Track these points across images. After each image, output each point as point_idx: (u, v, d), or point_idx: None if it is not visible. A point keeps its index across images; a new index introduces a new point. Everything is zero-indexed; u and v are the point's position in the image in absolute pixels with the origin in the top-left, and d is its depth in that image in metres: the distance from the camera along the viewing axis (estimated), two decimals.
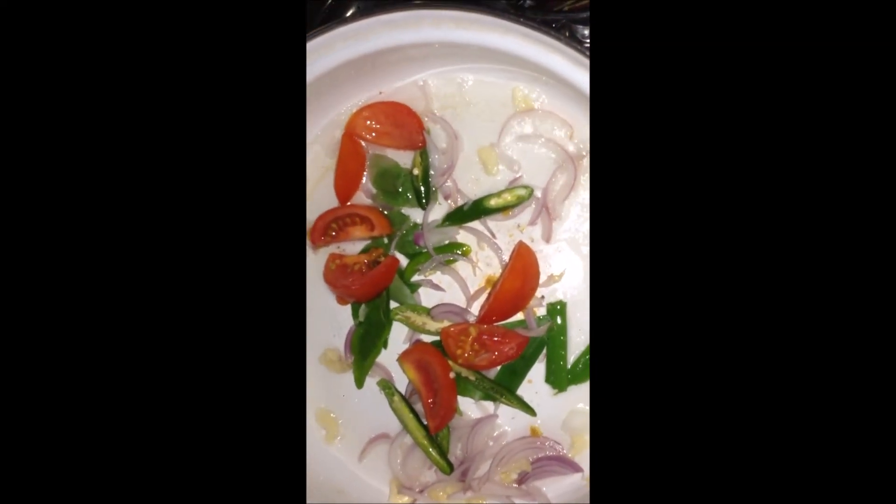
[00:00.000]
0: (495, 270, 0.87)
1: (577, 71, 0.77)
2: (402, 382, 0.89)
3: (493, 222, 0.87)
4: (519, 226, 0.87)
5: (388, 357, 0.89)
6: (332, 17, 0.90)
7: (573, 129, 0.86)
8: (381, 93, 0.90)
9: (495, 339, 0.83)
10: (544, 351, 0.85)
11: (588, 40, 0.85)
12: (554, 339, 0.84)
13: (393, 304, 0.89)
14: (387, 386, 0.88)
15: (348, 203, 0.90)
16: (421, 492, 0.86)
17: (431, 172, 0.88)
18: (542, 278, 0.85)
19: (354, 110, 0.90)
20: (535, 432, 0.85)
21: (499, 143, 0.87)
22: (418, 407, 0.87)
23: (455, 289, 0.88)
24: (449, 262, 0.87)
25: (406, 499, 0.87)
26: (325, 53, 0.82)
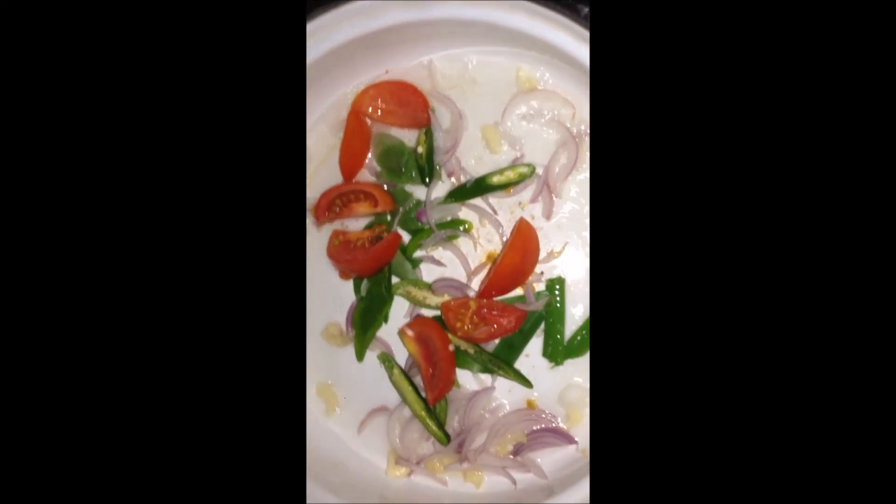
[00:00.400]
0: (496, 247, 0.88)
1: (581, 48, 0.78)
2: (401, 357, 0.90)
3: (494, 199, 0.88)
4: (520, 203, 0.88)
5: (389, 331, 0.90)
6: None
7: (576, 108, 0.87)
8: (387, 72, 0.91)
9: (494, 312, 0.84)
10: (542, 326, 0.86)
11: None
12: (552, 314, 0.85)
13: (394, 280, 0.90)
14: (387, 359, 0.89)
15: (353, 180, 0.92)
16: (418, 463, 0.87)
17: (436, 148, 0.89)
18: (542, 255, 0.86)
19: (360, 89, 0.91)
20: (531, 405, 0.86)
21: (502, 121, 0.88)
22: (417, 380, 0.88)
23: (456, 264, 0.89)
24: (451, 238, 0.89)
25: (403, 470, 0.88)
26: (331, 31, 0.84)
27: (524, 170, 0.86)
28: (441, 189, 0.89)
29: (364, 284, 0.90)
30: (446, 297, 0.87)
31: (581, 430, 0.84)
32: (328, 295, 0.92)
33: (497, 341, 0.87)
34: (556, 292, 0.85)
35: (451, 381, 0.86)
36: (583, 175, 0.87)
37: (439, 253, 0.90)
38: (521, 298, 0.86)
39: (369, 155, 0.92)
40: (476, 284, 0.88)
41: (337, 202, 0.91)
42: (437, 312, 0.88)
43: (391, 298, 0.90)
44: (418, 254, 0.90)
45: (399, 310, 0.90)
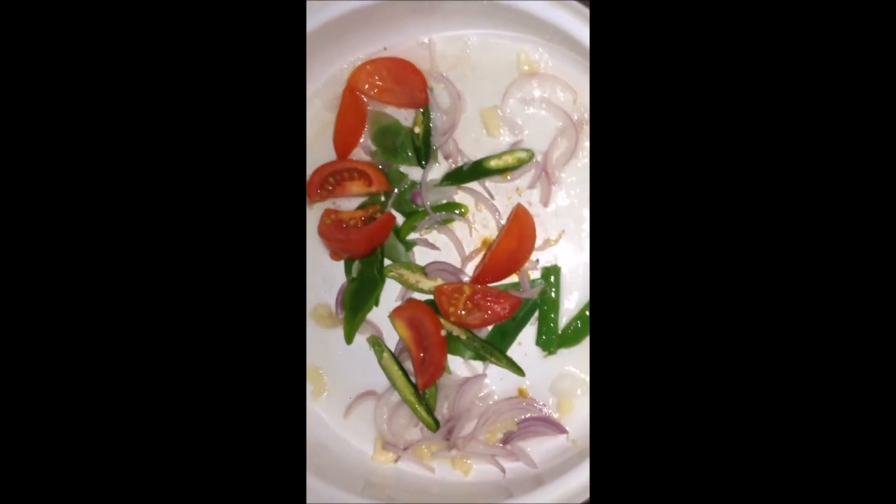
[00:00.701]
0: (492, 232, 0.87)
1: (583, 29, 0.77)
2: (391, 341, 0.88)
3: (491, 184, 0.87)
4: (518, 189, 0.87)
5: (379, 314, 0.88)
6: None
7: (577, 94, 0.86)
8: (385, 49, 0.89)
9: (488, 298, 0.83)
10: (536, 314, 0.85)
11: None
12: (546, 302, 0.84)
13: (386, 262, 0.88)
14: (376, 342, 0.87)
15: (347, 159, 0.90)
16: (405, 449, 0.86)
17: (433, 129, 0.87)
18: (538, 242, 0.85)
19: (357, 65, 0.89)
20: (522, 393, 0.86)
21: (502, 105, 0.87)
22: (407, 365, 0.87)
23: (450, 249, 0.87)
24: (446, 222, 0.87)
25: (390, 456, 0.87)
26: (330, 2, 0.81)
27: (523, 155, 0.85)
28: (437, 171, 0.88)
29: (355, 265, 0.89)
30: (439, 282, 0.86)
31: (572, 420, 0.84)
32: (318, 275, 0.90)
33: (490, 328, 0.86)
34: (552, 280, 0.84)
35: (442, 367, 0.85)
36: (582, 162, 0.86)
37: (433, 236, 0.88)
38: (515, 285, 0.85)
39: (364, 133, 0.90)
40: (470, 270, 0.87)
41: (330, 180, 0.89)
42: (429, 297, 0.86)
43: (383, 281, 0.88)
44: (412, 236, 0.88)
45: (390, 293, 0.89)
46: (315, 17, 0.82)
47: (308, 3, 0.81)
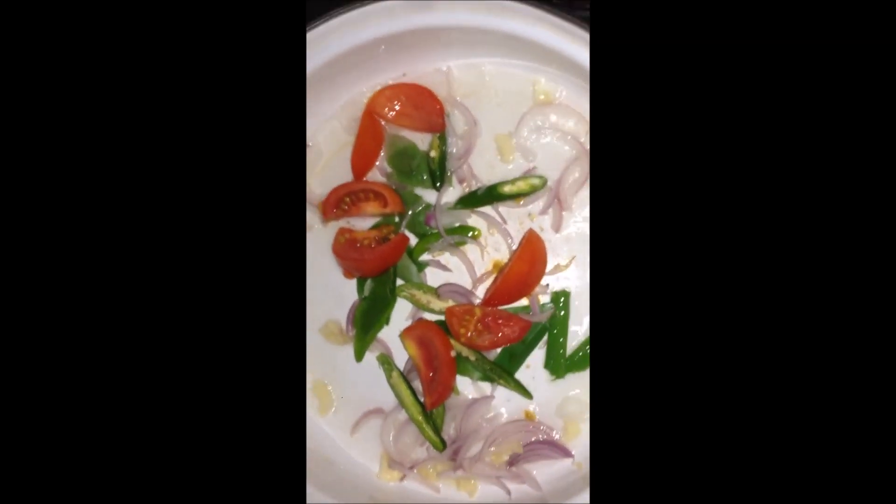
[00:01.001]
0: (503, 256, 0.88)
1: None
2: (401, 360, 0.89)
3: (504, 209, 0.89)
4: (530, 214, 0.88)
5: (389, 333, 0.90)
6: None
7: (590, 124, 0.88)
8: (404, 75, 0.91)
9: (499, 321, 0.84)
10: (545, 338, 0.86)
11: None
12: (556, 326, 0.85)
13: (399, 283, 0.89)
14: (386, 361, 0.88)
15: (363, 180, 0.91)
16: (411, 468, 0.87)
17: (448, 154, 0.89)
18: (549, 267, 0.87)
19: (377, 90, 0.91)
20: (529, 416, 0.86)
21: (516, 132, 0.89)
22: (415, 385, 0.88)
23: (462, 271, 0.89)
24: (458, 244, 0.88)
25: (396, 474, 0.87)
26: (352, 30, 0.84)
27: (536, 181, 0.86)
28: (451, 194, 0.89)
29: (368, 284, 0.90)
30: (450, 303, 0.87)
31: (578, 444, 0.84)
32: (329, 292, 0.91)
33: (499, 350, 0.87)
34: (561, 305, 0.85)
35: (451, 387, 0.86)
36: None
37: (446, 258, 0.89)
38: (525, 309, 0.86)
39: (381, 156, 0.91)
40: (481, 292, 0.88)
41: (346, 200, 0.90)
42: (440, 317, 0.88)
43: (394, 300, 0.89)
44: (425, 257, 0.90)
45: (401, 313, 0.90)
46: (338, 44, 0.84)
47: (331, 30, 0.83)
